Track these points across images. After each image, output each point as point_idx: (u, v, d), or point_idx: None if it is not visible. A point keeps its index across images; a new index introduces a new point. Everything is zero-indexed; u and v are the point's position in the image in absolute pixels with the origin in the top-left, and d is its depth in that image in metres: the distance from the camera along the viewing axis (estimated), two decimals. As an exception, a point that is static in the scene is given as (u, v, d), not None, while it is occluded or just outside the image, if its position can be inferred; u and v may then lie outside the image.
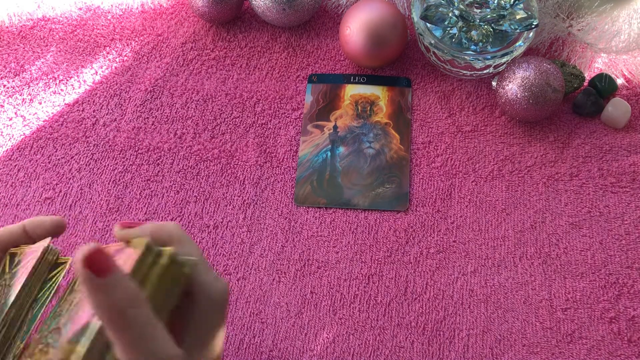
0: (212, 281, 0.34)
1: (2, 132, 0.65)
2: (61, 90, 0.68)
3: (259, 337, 0.54)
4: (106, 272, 0.28)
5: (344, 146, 0.63)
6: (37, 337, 0.33)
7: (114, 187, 0.61)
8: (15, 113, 0.66)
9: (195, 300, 0.33)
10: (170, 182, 0.62)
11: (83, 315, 0.30)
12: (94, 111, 0.66)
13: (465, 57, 0.62)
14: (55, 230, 0.38)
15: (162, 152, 0.63)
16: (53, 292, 0.34)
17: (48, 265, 0.36)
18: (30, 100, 0.67)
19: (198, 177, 0.62)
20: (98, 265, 0.28)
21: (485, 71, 0.64)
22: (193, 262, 0.33)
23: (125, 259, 0.31)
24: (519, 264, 0.56)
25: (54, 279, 0.35)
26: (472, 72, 0.64)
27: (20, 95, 0.67)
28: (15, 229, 0.37)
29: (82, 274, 0.28)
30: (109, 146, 0.64)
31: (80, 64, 0.70)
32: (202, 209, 0.60)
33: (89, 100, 0.67)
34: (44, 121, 0.66)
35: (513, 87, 0.60)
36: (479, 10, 0.61)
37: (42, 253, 0.35)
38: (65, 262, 0.36)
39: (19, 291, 0.34)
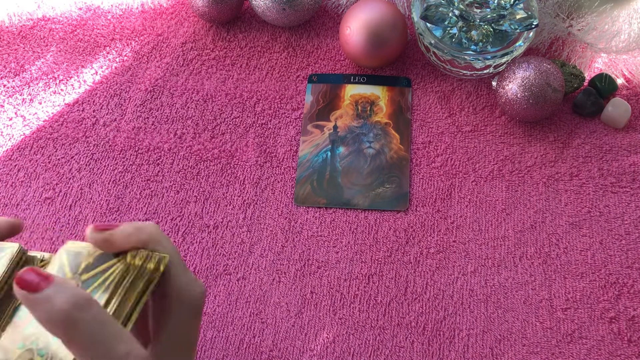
0: (187, 283, 0.33)
1: (2, 132, 0.65)
2: (61, 90, 0.68)
3: (259, 337, 0.54)
4: (38, 287, 0.29)
5: (344, 146, 0.63)
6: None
7: (114, 187, 0.61)
8: (15, 113, 0.66)
9: (170, 301, 0.33)
10: (170, 182, 0.62)
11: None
12: (94, 111, 0.66)
13: (465, 57, 0.62)
14: (11, 232, 0.38)
15: (162, 152, 0.63)
16: None
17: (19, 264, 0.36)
18: (30, 100, 0.67)
19: (198, 177, 0.62)
20: (30, 282, 0.29)
21: (485, 71, 0.64)
22: (163, 258, 0.33)
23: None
24: (519, 264, 0.56)
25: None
26: (472, 72, 0.64)
27: (20, 95, 0.68)
28: None
29: (19, 294, 0.29)
30: (109, 146, 0.64)
31: (80, 64, 0.70)
32: (202, 209, 0.60)
33: (89, 100, 0.67)
34: (44, 121, 0.66)
35: (513, 87, 0.60)
36: (479, 10, 0.61)
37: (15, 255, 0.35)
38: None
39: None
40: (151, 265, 0.32)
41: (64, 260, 0.34)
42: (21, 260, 0.36)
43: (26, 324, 0.32)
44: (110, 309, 0.31)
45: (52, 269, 0.34)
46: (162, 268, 0.32)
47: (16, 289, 0.29)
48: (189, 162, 0.63)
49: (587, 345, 0.52)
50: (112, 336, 0.29)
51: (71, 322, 0.28)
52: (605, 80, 0.63)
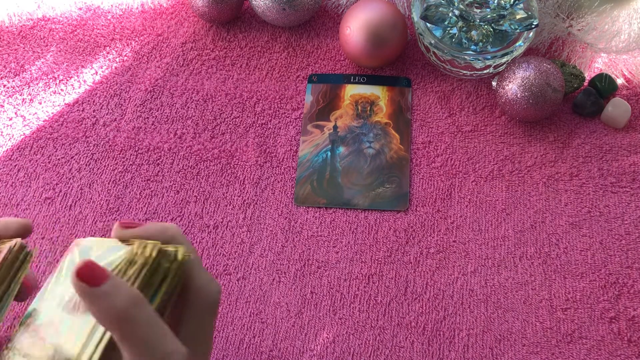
0: (205, 281, 0.34)
1: (2, 132, 0.65)
2: (61, 90, 0.68)
3: (259, 337, 0.54)
4: (101, 280, 0.29)
5: (344, 146, 0.63)
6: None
7: (114, 187, 0.61)
8: (15, 113, 0.66)
9: (189, 299, 0.34)
10: (170, 182, 0.62)
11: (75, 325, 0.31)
12: (94, 111, 0.66)
13: (465, 57, 0.62)
14: (22, 233, 0.38)
15: (162, 152, 0.63)
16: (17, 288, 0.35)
17: (15, 262, 0.36)
18: (30, 100, 0.67)
19: (198, 177, 0.62)
20: (91, 276, 0.29)
21: (485, 71, 0.64)
22: (187, 259, 0.33)
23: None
24: (519, 264, 0.56)
25: (18, 275, 0.36)
26: (472, 72, 0.64)
27: (20, 95, 0.68)
28: None
29: (78, 286, 0.29)
30: (109, 146, 0.64)
31: (80, 64, 0.70)
32: (202, 209, 0.60)
33: (89, 100, 0.67)
34: (44, 121, 0.66)
35: (513, 87, 0.60)
36: (479, 10, 0.61)
37: (7, 252, 0.35)
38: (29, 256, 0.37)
39: None
40: (166, 264, 0.32)
41: (75, 254, 0.35)
42: (20, 255, 0.36)
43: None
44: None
45: (63, 263, 0.35)
46: (179, 257, 0.33)
47: (75, 281, 0.29)
48: (189, 162, 0.63)
49: (587, 345, 0.52)
50: (162, 334, 0.30)
51: (129, 319, 0.29)
52: (605, 80, 0.63)
